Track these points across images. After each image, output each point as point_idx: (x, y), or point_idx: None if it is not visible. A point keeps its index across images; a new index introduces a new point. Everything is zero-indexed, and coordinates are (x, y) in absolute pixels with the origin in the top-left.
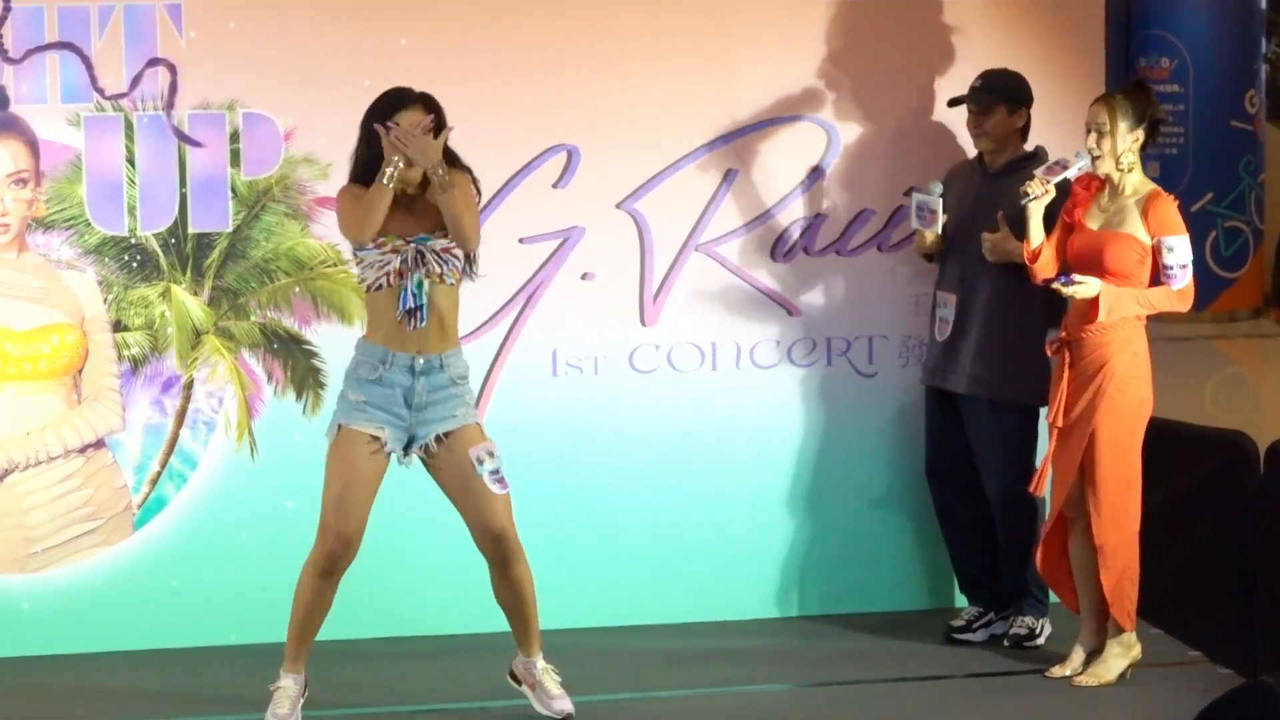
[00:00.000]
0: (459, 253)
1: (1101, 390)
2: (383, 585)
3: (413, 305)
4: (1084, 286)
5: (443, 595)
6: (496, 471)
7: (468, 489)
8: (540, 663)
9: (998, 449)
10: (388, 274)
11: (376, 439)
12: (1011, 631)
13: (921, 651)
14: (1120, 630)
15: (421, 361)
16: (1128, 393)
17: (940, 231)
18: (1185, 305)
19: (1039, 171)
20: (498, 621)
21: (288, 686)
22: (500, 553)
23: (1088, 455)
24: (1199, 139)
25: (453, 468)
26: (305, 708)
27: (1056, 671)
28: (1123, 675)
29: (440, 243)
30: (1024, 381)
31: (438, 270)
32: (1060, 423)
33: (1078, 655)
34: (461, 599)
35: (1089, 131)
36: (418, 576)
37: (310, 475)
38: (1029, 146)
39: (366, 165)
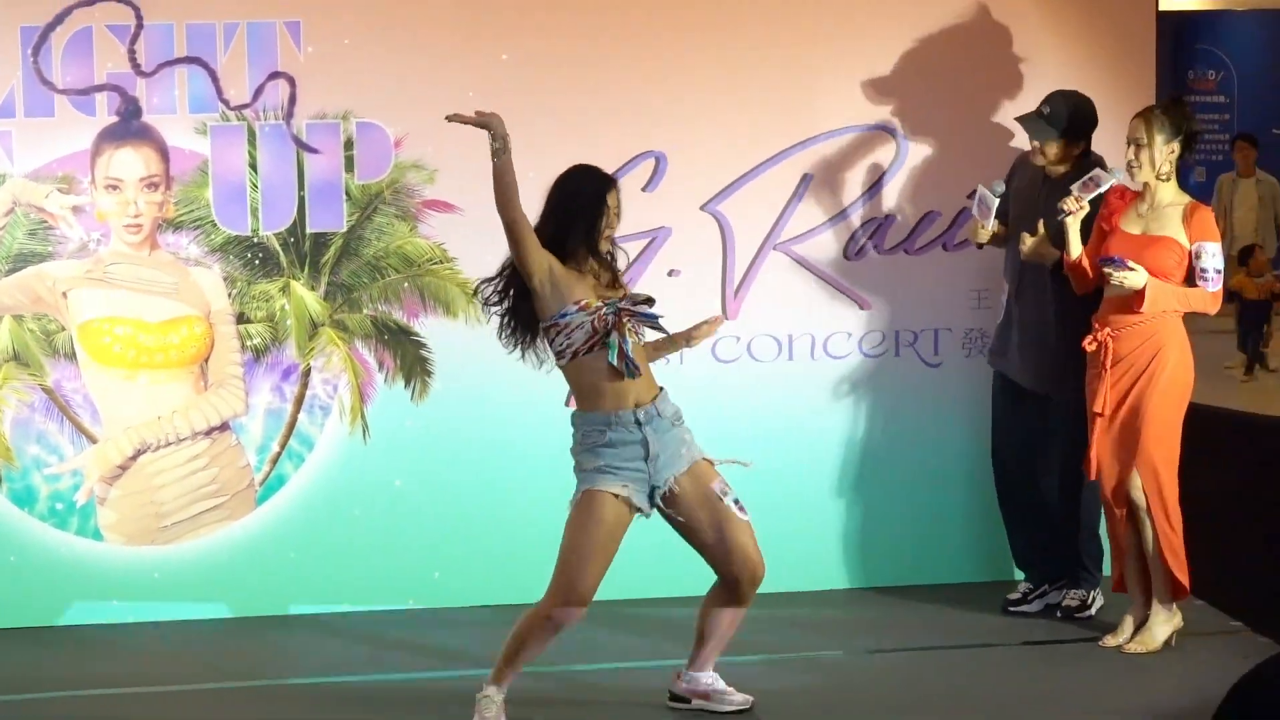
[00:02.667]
0: (648, 311)
1: (1155, 378)
2: (441, 556)
3: (631, 363)
4: (1134, 275)
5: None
6: (738, 501)
7: (717, 519)
8: (710, 673)
9: (1051, 438)
10: (599, 332)
11: (621, 499)
12: (1064, 603)
13: (979, 621)
14: (1171, 599)
15: (642, 413)
16: (1178, 379)
17: (989, 228)
18: (1216, 307)
19: (1075, 188)
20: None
21: (493, 695)
22: (751, 578)
23: (1140, 440)
24: None
25: (697, 502)
26: (355, 671)
27: (1109, 641)
28: (1168, 643)
29: (627, 304)
30: (1071, 377)
31: (638, 332)
32: (1107, 412)
33: (1128, 625)
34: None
35: (1129, 144)
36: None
37: (417, 456)
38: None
39: (561, 235)
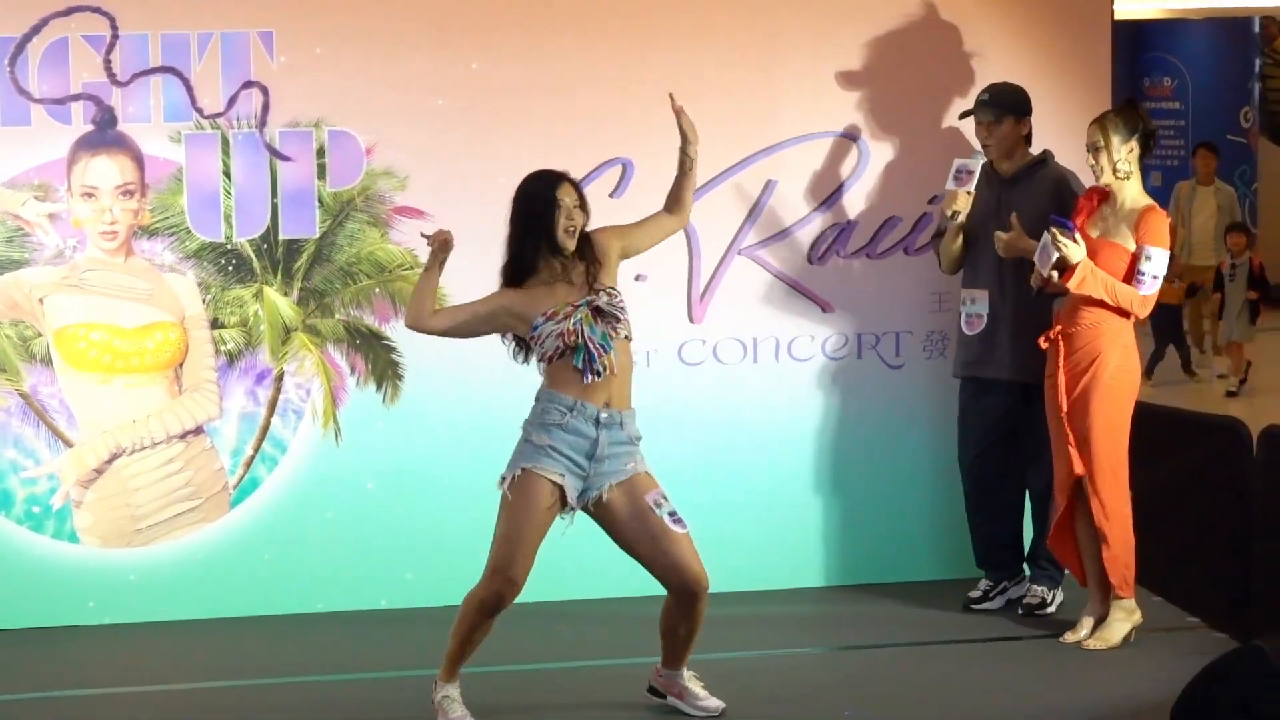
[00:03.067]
0: (624, 305)
1: (1096, 378)
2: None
3: (599, 355)
4: (1074, 248)
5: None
6: (674, 513)
7: (648, 530)
8: (686, 672)
9: (1035, 431)
10: (563, 333)
11: (556, 486)
12: (1025, 600)
13: (942, 618)
14: (1121, 597)
15: (606, 415)
16: (1120, 380)
17: (972, 192)
18: (1144, 311)
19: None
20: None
21: (453, 694)
22: (693, 591)
23: (1084, 439)
24: None
25: (629, 515)
26: (330, 670)
27: (1069, 637)
28: (1127, 638)
29: (604, 298)
30: None
31: (614, 322)
32: (1068, 409)
33: (1086, 622)
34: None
35: (1088, 151)
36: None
37: (389, 459)
38: (1034, 151)
39: (521, 258)
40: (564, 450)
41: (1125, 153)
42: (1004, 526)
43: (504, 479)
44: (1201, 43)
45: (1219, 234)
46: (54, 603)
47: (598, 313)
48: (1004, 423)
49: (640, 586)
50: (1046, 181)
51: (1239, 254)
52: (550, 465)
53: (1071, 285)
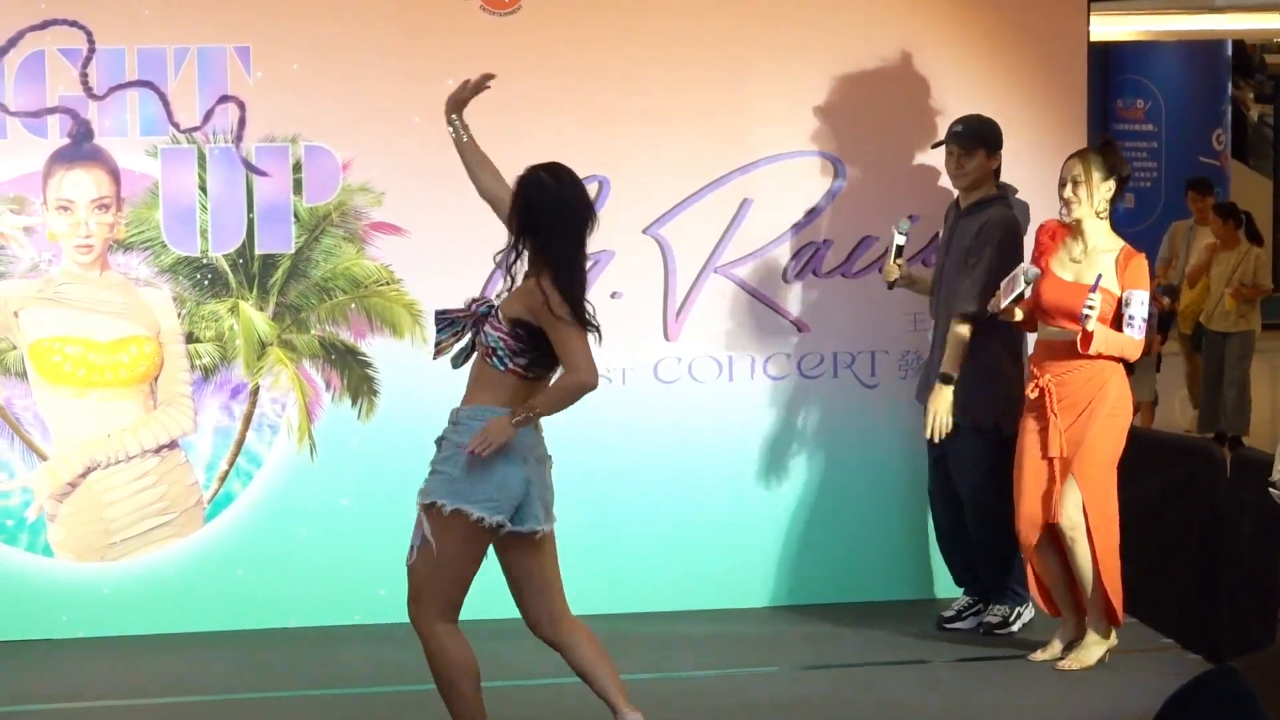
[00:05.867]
0: (518, 351)
1: (1093, 415)
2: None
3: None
4: (1095, 313)
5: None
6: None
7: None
8: (628, 715)
9: (967, 465)
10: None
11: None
12: (985, 619)
13: (915, 638)
14: (1107, 625)
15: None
16: (1117, 417)
17: (895, 261)
18: (1139, 353)
19: (1001, 289)
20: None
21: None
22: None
23: (1083, 469)
24: (1170, 173)
25: None
26: (303, 686)
27: (1038, 656)
28: (1101, 660)
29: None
30: (984, 405)
31: (484, 347)
32: (1066, 453)
33: (1057, 642)
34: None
35: (1065, 184)
36: None
37: (364, 474)
38: (1002, 180)
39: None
40: None
41: (1104, 191)
42: (966, 545)
43: None
44: (1174, 65)
45: None
46: (27, 616)
47: (477, 329)
48: (947, 445)
49: (649, 603)
50: (992, 221)
51: None
52: None
53: (1092, 350)
